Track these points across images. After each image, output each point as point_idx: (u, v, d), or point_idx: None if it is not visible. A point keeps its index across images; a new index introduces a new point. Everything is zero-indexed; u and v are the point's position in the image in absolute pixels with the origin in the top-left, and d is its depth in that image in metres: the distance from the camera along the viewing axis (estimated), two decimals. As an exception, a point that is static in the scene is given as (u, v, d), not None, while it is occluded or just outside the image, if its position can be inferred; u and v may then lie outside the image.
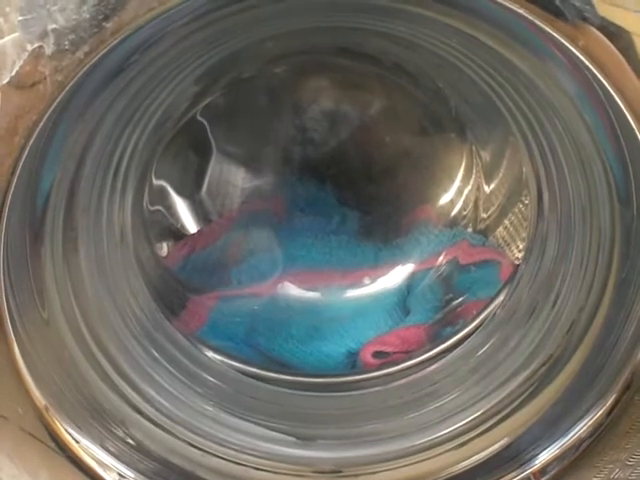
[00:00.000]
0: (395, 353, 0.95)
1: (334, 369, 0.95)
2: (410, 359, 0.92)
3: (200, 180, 1.05)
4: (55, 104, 0.56)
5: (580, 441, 0.72)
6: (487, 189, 1.01)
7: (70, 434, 0.70)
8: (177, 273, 1.02)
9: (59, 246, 0.72)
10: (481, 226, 1.01)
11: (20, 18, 0.53)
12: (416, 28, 0.76)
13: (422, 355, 0.92)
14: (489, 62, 0.74)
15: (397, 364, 0.92)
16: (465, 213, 1.03)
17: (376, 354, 0.95)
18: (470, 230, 1.02)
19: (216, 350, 0.91)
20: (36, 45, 0.53)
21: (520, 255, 0.92)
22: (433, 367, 0.89)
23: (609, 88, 0.58)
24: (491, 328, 0.87)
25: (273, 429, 0.81)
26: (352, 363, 0.96)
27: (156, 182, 1.01)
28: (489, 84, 0.78)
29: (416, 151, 1.05)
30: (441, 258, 1.02)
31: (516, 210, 0.97)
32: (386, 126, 1.05)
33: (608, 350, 0.72)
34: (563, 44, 0.57)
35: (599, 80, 0.58)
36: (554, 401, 0.76)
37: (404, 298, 1.02)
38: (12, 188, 0.58)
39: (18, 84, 0.54)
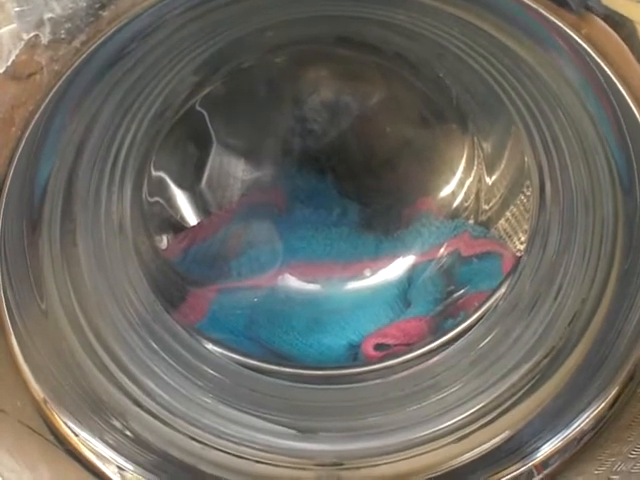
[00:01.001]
0: (396, 345, 0.95)
1: (335, 361, 0.95)
2: (411, 351, 0.92)
3: (200, 172, 1.05)
4: (52, 94, 0.56)
5: (582, 434, 0.72)
6: (489, 180, 1.01)
7: (69, 427, 0.70)
8: (177, 265, 1.02)
9: (57, 237, 0.72)
10: (483, 218, 1.01)
11: (16, 8, 0.53)
12: (417, 17, 0.76)
13: (423, 347, 0.92)
14: (491, 51, 0.73)
15: (398, 356, 0.92)
16: (467, 205, 1.03)
17: (377, 346, 0.95)
18: (472, 222, 1.02)
19: (216, 342, 0.91)
20: (32, 34, 0.53)
21: (522, 247, 0.92)
22: (434, 360, 0.89)
23: (612, 77, 0.58)
24: (493, 320, 0.87)
25: (274, 422, 0.81)
26: (353, 355, 0.96)
27: (155, 173, 1.00)
28: (491, 73, 0.78)
29: (417, 142, 1.04)
30: (442, 250, 1.02)
31: (518, 202, 0.97)
32: (387, 117, 1.04)
33: (611, 342, 0.72)
34: (566, 33, 0.57)
35: (602, 69, 0.58)
36: (556, 394, 0.75)
37: (405, 290, 1.02)
38: (9, 179, 0.58)
39: (14, 74, 0.54)
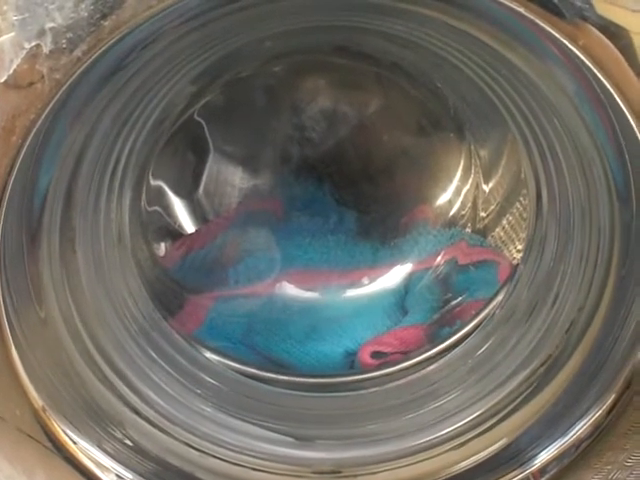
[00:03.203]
0: (393, 353, 0.95)
1: (332, 369, 0.95)
2: (408, 359, 0.92)
3: (197, 180, 1.05)
4: (52, 103, 0.56)
5: (579, 441, 0.72)
6: (486, 188, 1.01)
7: (67, 435, 0.70)
8: (174, 273, 1.02)
9: (56, 246, 0.72)
10: (479, 226, 1.01)
11: (17, 17, 0.53)
12: (415, 27, 0.76)
13: (420, 355, 0.92)
14: (488, 61, 0.74)
15: (395, 364, 0.92)
16: (463, 213, 1.03)
17: (374, 354, 0.95)
18: (468, 230, 1.02)
19: (214, 350, 0.91)
20: (33, 44, 0.53)
21: (519, 256, 0.92)
22: (431, 367, 0.89)
23: (608, 87, 0.58)
24: (490, 328, 0.87)
25: (271, 430, 0.81)
26: (350, 363, 0.96)
27: (153, 182, 1.00)
28: (488, 83, 0.78)
29: (414, 151, 1.05)
30: (439, 258, 1.02)
31: (515, 210, 0.97)
32: (384, 125, 1.05)
33: (607, 350, 0.72)
34: (563, 43, 0.57)
35: (598, 79, 0.58)
36: (553, 401, 0.76)
37: (402, 298, 1.02)
38: (9, 188, 0.58)
39: (15, 83, 0.54)
